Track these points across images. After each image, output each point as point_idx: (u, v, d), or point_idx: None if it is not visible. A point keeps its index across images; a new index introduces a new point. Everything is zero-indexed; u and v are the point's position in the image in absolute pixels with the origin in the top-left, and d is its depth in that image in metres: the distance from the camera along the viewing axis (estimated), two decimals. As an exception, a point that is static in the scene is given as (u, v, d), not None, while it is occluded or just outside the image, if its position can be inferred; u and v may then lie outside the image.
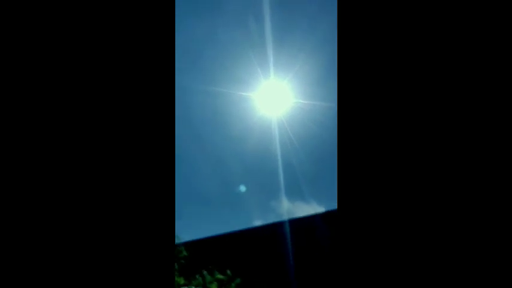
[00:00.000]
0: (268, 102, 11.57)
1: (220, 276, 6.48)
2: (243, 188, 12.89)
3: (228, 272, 6.52)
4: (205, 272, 6.45)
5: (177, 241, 6.29)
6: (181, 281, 6.21)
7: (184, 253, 6.35)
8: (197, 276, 6.38)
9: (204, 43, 12.55)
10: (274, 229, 9.73)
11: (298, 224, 9.56)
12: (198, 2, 11.55)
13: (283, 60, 10.99)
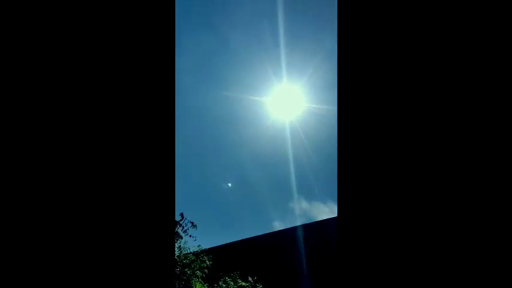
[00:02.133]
0: (281, 107, 11.52)
1: (243, 283, 6.57)
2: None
3: (250, 278, 6.59)
4: (228, 279, 6.58)
5: (199, 249, 6.45)
6: (206, 288, 6.38)
7: (208, 263, 6.50)
8: (220, 283, 6.52)
9: (216, 48, 12.53)
10: (293, 233, 9.64)
11: (318, 226, 9.41)
12: (211, 7, 11.64)
13: (296, 65, 10.99)
